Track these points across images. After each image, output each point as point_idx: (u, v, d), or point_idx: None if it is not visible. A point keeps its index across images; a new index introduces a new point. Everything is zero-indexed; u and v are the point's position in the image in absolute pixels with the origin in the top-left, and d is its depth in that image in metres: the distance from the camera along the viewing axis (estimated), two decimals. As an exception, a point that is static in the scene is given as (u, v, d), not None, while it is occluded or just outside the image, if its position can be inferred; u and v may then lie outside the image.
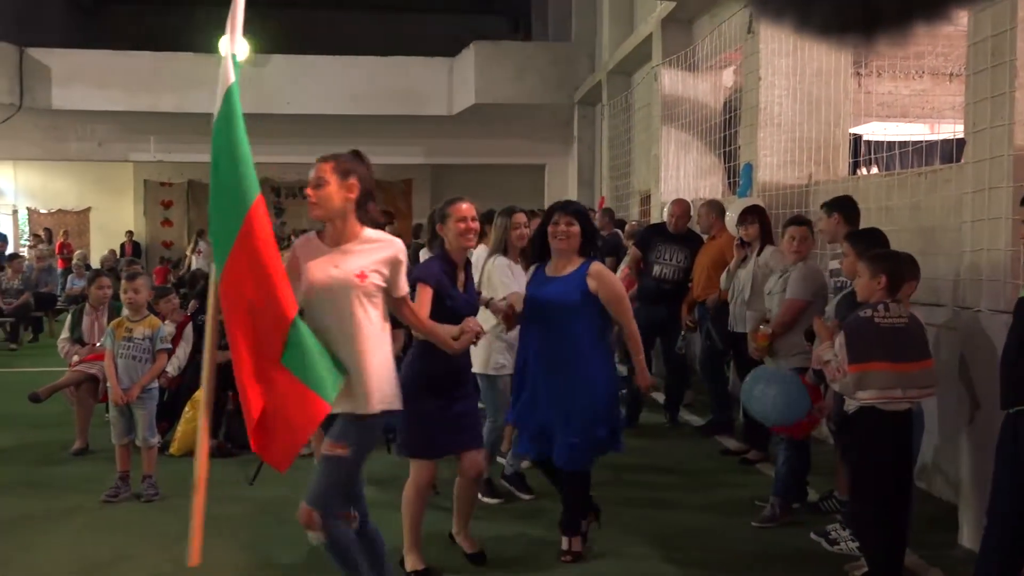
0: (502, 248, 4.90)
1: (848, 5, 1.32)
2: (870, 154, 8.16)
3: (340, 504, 3.19)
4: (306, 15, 19.96)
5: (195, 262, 17.12)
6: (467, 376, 4.09)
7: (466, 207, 3.92)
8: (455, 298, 3.84)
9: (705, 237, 6.94)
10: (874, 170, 8.04)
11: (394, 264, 3.22)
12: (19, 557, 4.26)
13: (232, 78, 3.09)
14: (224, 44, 3.16)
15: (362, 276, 3.12)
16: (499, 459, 5.40)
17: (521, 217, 5.01)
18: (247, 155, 3.02)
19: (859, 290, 3.76)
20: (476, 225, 3.94)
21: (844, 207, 4.86)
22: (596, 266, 4.11)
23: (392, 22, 20.77)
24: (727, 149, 8.63)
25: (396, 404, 3.23)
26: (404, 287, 3.31)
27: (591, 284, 4.03)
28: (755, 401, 4.43)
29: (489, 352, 4.79)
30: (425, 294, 3.71)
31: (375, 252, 3.18)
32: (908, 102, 9.71)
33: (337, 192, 3.14)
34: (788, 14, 1.40)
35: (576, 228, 4.07)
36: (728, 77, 9.56)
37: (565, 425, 4.03)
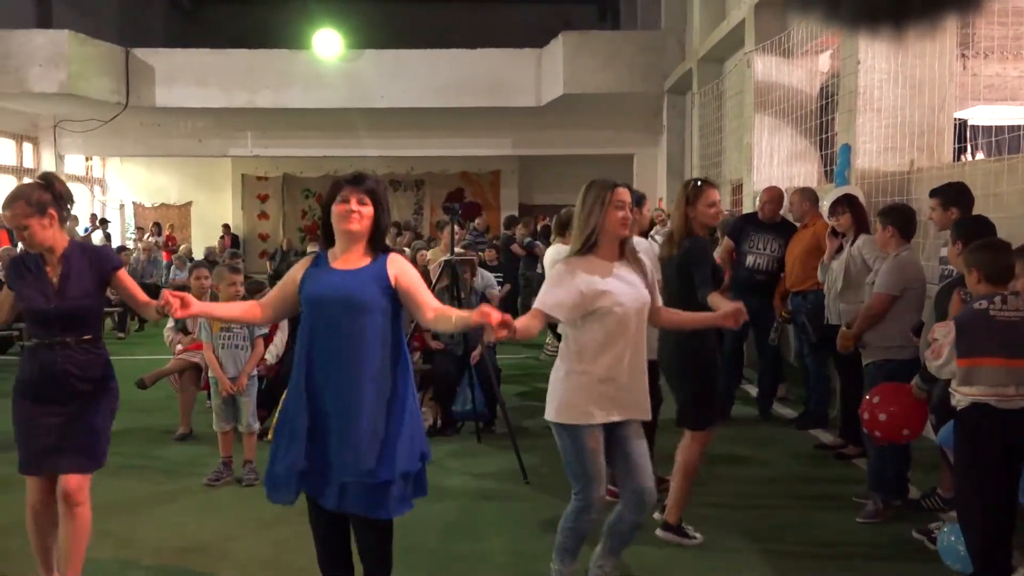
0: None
1: None
2: (976, 139, 7.83)
3: None
4: (395, 9, 20.22)
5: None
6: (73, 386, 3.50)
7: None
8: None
9: (798, 225, 6.78)
10: (980, 156, 7.72)
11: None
12: (126, 535, 4.45)
13: None
14: None
15: None
16: None
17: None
18: None
19: (969, 286, 3.62)
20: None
21: (956, 198, 4.67)
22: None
23: (480, 12, 20.87)
24: (823, 136, 8.39)
25: None
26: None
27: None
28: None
29: None
30: None
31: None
32: (1017, 84, 9.26)
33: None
34: (817, 3, 1.36)
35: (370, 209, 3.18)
36: (824, 62, 9.28)
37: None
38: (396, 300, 3.17)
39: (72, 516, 3.49)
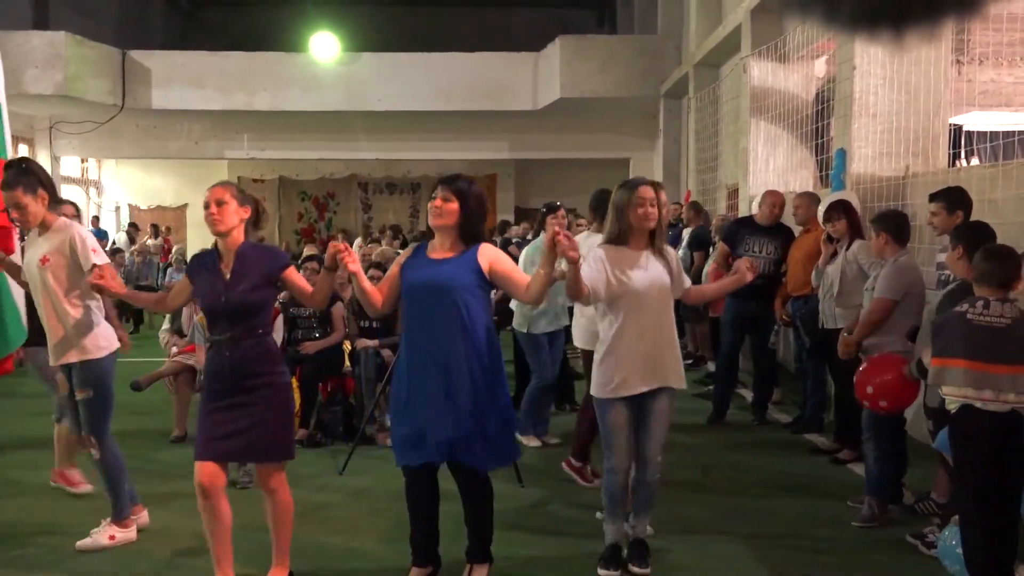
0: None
1: None
2: (971, 145, 7.85)
3: None
4: (392, 12, 20.24)
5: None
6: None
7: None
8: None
9: (799, 230, 6.78)
10: (975, 161, 7.74)
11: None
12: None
13: None
14: None
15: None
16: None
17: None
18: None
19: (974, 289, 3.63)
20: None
21: (960, 200, 4.68)
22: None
23: (477, 16, 20.90)
24: (818, 141, 8.41)
25: None
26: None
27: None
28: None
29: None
30: None
31: None
32: (1012, 90, 9.29)
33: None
34: (816, 6, 1.37)
35: (455, 205, 3.66)
36: (820, 67, 9.31)
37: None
38: (485, 284, 3.64)
39: (272, 503, 3.72)
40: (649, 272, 3.86)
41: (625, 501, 4.04)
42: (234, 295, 3.57)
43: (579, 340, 5.61)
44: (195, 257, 3.83)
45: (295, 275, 3.76)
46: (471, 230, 3.68)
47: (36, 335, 4.68)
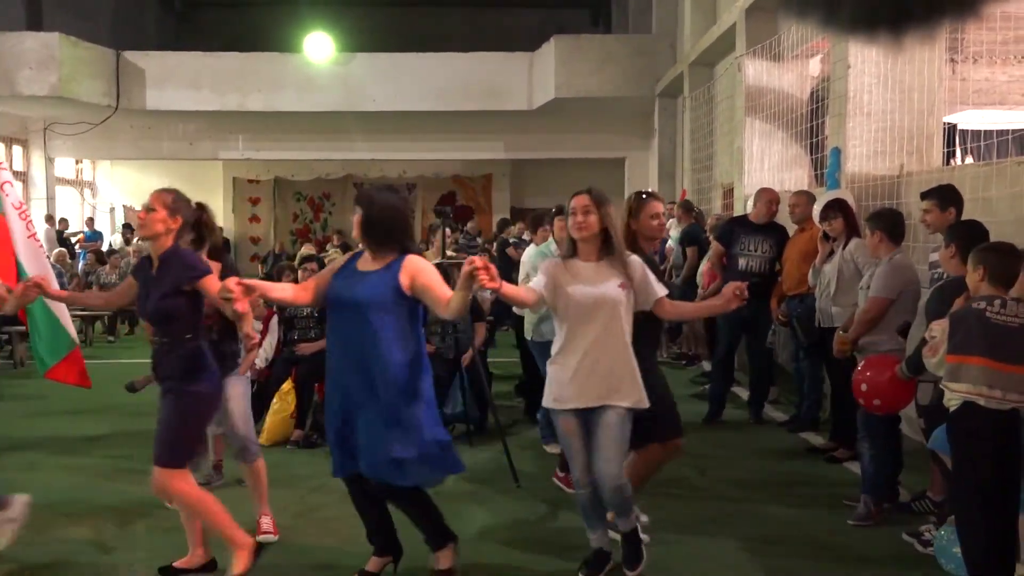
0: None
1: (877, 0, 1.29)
2: (965, 143, 7.86)
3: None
4: (387, 12, 20.21)
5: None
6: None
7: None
8: None
9: (793, 228, 6.77)
10: (969, 160, 7.76)
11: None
12: (120, 537, 4.44)
13: None
14: None
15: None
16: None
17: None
18: None
19: (969, 285, 3.63)
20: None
21: (952, 198, 4.69)
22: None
23: (472, 16, 20.89)
24: (813, 140, 8.42)
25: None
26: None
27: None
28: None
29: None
30: None
31: None
32: (1006, 88, 9.32)
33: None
34: (815, 9, 1.36)
35: (359, 216, 3.70)
36: (815, 66, 9.32)
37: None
38: (402, 300, 3.55)
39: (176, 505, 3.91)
40: (597, 286, 3.70)
41: (599, 511, 3.93)
42: (149, 302, 3.72)
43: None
44: (141, 259, 3.97)
45: (211, 285, 3.68)
46: (384, 239, 3.60)
47: None
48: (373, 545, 3.91)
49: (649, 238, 4.31)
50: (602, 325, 3.69)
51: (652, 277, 3.85)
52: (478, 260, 3.26)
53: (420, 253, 3.75)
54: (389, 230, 3.61)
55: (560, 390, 3.75)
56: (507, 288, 3.56)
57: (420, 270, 3.57)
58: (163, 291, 3.67)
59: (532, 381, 6.48)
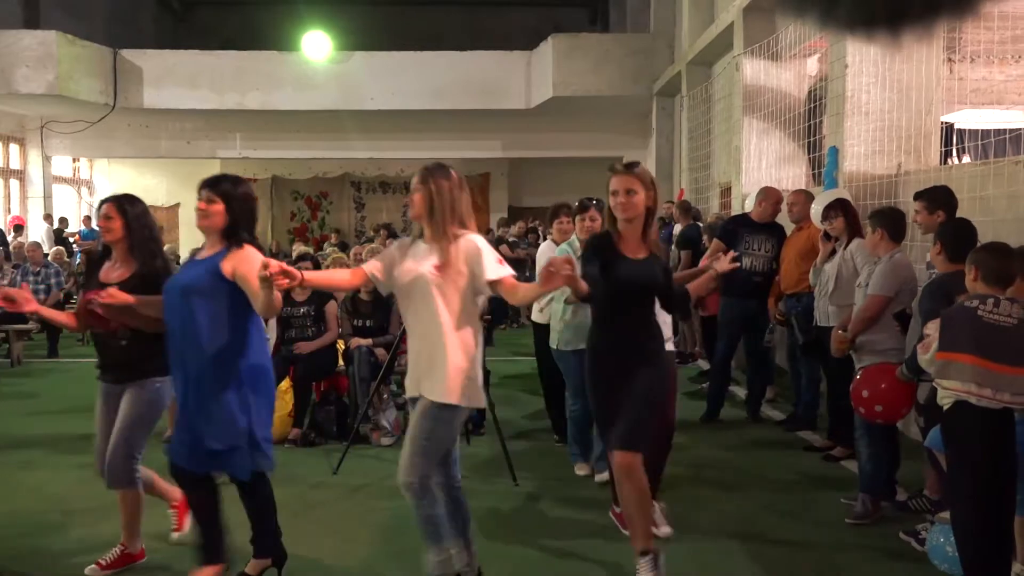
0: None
1: None
2: (963, 142, 7.88)
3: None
4: (385, 11, 20.21)
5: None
6: None
7: None
8: None
9: (791, 227, 6.77)
10: (966, 159, 7.77)
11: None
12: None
13: None
14: None
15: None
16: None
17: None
18: None
19: (967, 285, 3.64)
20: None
21: (943, 201, 4.71)
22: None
23: (470, 15, 20.89)
24: (811, 139, 8.43)
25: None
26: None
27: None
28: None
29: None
30: None
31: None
32: (1003, 88, 9.35)
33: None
34: (812, 8, 1.36)
35: (219, 206, 3.55)
36: (813, 65, 9.34)
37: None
38: (223, 286, 3.50)
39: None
40: (418, 265, 3.43)
41: (451, 521, 3.62)
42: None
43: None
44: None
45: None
46: (235, 232, 3.57)
47: None
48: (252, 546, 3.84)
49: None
50: (420, 307, 3.42)
51: (488, 259, 3.43)
52: (273, 265, 3.13)
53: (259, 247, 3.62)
54: (247, 220, 3.61)
55: (410, 375, 3.58)
56: (310, 276, 3.48)
57: (243, 258, 3.49)
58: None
59: (554, 394, 6.10)
